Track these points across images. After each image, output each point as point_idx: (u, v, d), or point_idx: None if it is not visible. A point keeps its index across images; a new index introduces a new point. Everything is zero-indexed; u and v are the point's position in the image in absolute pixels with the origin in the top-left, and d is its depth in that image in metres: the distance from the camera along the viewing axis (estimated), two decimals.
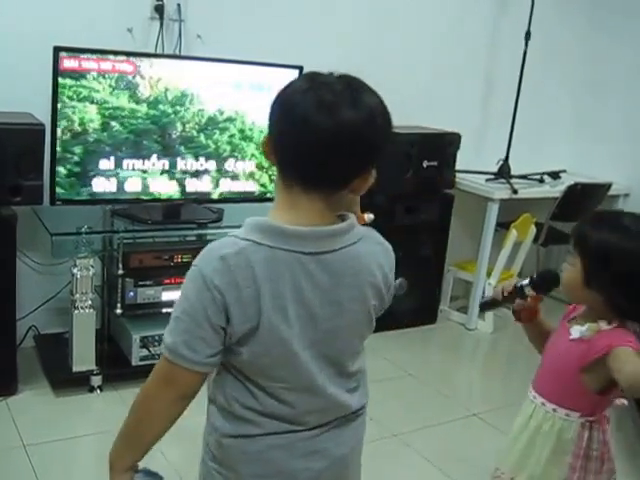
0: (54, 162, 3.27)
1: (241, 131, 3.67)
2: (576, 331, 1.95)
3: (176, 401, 1.47)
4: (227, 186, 3.74)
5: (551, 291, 2.10)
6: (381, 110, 1.43)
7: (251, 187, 3.81)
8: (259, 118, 3.68)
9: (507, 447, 2.14)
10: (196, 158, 3.60)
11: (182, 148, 3.55)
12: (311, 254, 1.41)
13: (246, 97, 3.64)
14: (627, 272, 1.87)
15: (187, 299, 1.41)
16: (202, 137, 3.58)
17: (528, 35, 4.81)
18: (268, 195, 3.84)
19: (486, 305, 2.47)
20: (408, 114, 4.60)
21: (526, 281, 2.10)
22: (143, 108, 3.41)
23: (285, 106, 1.41)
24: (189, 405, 1.49)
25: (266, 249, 1.39)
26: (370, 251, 1.51)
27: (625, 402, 2.08)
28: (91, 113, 3.29)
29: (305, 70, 3.69)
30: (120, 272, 3.49)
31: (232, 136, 3.65)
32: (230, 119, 3.62)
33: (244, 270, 1.37)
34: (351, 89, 1.40)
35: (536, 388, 2.11)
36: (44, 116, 3.27)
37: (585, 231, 1.93)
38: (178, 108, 3.49)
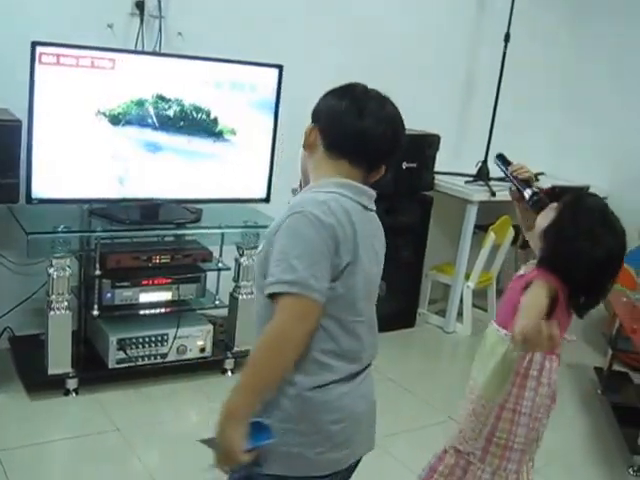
0: (31, 159, 3.20)
1: (220, 131, 3.62)
2: (521, 269, 2.24)
3: (306, 333, 1.61)
4: (206, 185, 3.68)
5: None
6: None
7: (230, 187, 3.75)
8: (239, 117, 3.64)
9: (474, 367, 2.35)
10: (175, 156, 3.55)
11: (161, 146, 3.49)
12: (367, 209, 1.76)
13: (226, 96, 3.59)
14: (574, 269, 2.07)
15: (304, 239, 1.60)
16: (181, 135, 3.53)
17: (508, 37, 4.82)
18: (246, 196, 3.80)
19: (502, 158, 2.61)
20: None
21: (529, 191, 2.38)
22: (121, 106, 3.35)
23: (352, 103, 1.78)
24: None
25: (347, 200, 1.70)
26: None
27: (574, 338, 2.27)
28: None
29: (285, 69, 3.68)
30: (97, 273, 3.42)
31: (213, 134, 3.60)
32: (209, 117, 3.57)
33: (342, 213, 1.65)
34: (381, 98, 1.84)
35: (496, 317, 2.31)
36: (21, 112, 3.20)
37: (568, 206, 2.17)
38: (157, 105, 3.43)
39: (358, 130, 1.74)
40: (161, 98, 3.43)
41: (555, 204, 2.21)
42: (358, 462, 1.88)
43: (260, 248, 1.75)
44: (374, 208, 1.80)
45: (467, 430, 2.27)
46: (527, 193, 2.36)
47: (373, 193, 1.79)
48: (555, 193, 4.71)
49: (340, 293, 1.65)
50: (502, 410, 2.19)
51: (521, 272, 2.22)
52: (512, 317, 2.03)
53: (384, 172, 1.84)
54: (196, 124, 3.55)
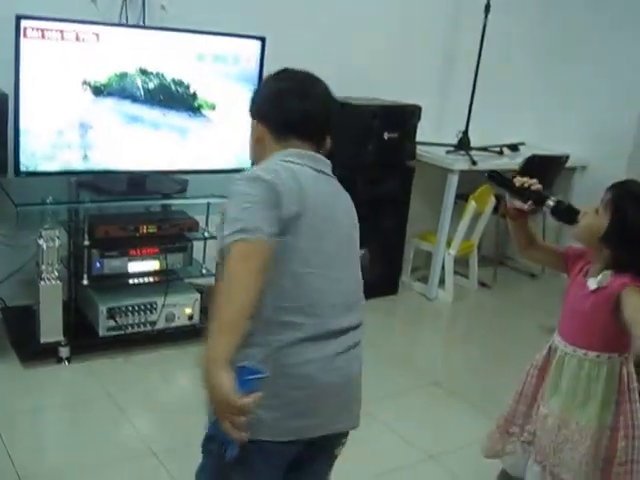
0: (18, 133, 3.24)
1: (200, 105, 3.68)
2: (592, 283, 2.14)
3: (251, 273, 1.63)
4: (192, 156, 3.74)
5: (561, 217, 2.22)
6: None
7: (215, 158, 3.81)
8: (221, 90, 3.69)
9: (551, 389, 2.26)
10: (159, 128, 3.60)
11: (147, 117, 3.54)
12: (322, 172, 1.86)
13: (209, 69, 3.64)
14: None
15: (246, 195, 1.67)
16: (162, 109, 3.58)
17: (488, 7, 4.86)
18: (232, 167, 3.86)
19: (495, 177, 2.41)
20: (369, 86, 4.65)
21: (552, 200, 2.20)
22: (106, 79, 3.40)
23: (292, 86, 1.91)
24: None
25: (295, 164, 1.80)
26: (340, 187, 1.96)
27: None
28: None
29: (268, 41, 3.73)
30: (86, 243, 3.48)
31: (194, 107, 3.65)
32: (188, 90, 3.62)
33: (285, 170, 1.75)
34: (311, 77, 1.95)
35: (568, 339, 2.24)
36: (7, 86, 3.23)
37: (627, 203, 2.09)
38: (141, 78, 3.47)
39: (302, 110, 1.87)
40: (144, 72, 3.47)
41: (589, 207, 2.15)
42: (340, 440, 1.90)
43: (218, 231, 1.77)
44: (332, 175, 1.91)
45: (590, 461, 2.18)
46: (551, 202, 2.19)
47: (327, 161, 1.90)
48: (535, 163, 4.83)
49: (290, 245, 1.71)
50: (616, 432, 2.17)
51: (593, 286, 2.13)
52: (601, 338, 2.14)
53: (329, 143, 1.93)
54: (176, 98, 3.59)
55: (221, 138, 3.77)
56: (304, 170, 1.80)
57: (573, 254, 2.32)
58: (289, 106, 1.88)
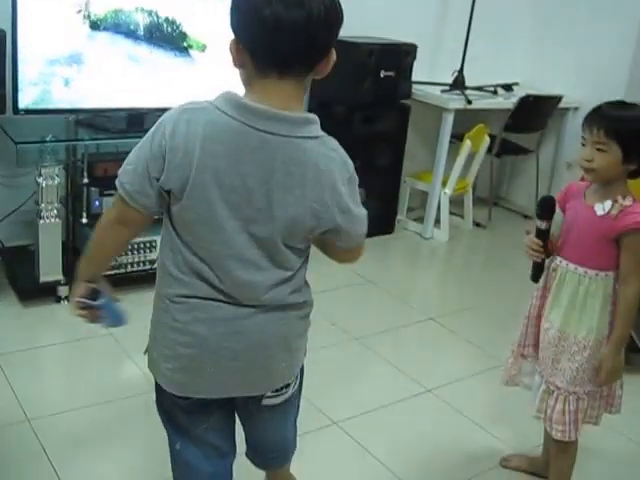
0: (16, 70, 3.21)
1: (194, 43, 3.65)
2: (600, 209, 2.25)
3: (117, 222, 1.67)
4: (190, 94, 3.71)
5: (554, 212, 2.36)
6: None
7: (216, 94, 3.77)
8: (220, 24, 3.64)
9: (552, 304, 2.39)
10: (159, 66, 3.58)
11: (146, 55, 3.52)
12: (257, 130, 1.51)
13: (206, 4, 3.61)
14: None
15: (144, 139, 1.59)
16: (157, 47, 3.56)
17: None
18: None
19: (537, 271, 2.46)
20: (365, 24, 4.61)
21: (538, 222, 2.36)
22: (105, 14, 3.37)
23: (252, 6, 1.48)
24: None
25: (221, 114, 1.52)
26: (320, 152, 1.57)
27: None
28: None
29: None
30: (85, 181, 3.48)
31: (191, 47, 3.63)
32: (179, 29, 3.59)
33: (190, 124, 1.51)
34: None
35: (568, 257, 2.35)
36: (4, 23, 3.19)
37: (615, 118, 2.22)
38: (140, 14, 3.45)
39: (264, 17, 1.46)
40: (142, 9, 3.45)
41: (585, 150, 2.26)
42: (255, 398, 1.79)
43: None
44: (296, 134, 1.54)
45: (590, 371, 2.33)
46: (538, 224, 2.38)
47: (288, 115, 1.53)
48: (529, 102, 4.84)
49: (175, 212, 1.58)
50: (609, 339, 2.31)
51: (600, 212, 2.24)
52: (599, 258, 2.27)
53: (329, 66, 1.58)
54: (171, 37, 3.56)
55: (219, 78, 3.75)
56: (230, 124, 1.51)
57: (563, 198, 2.42)
58: (261, 15, 1.46)
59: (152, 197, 1.58)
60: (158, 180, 1.55)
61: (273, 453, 2.07)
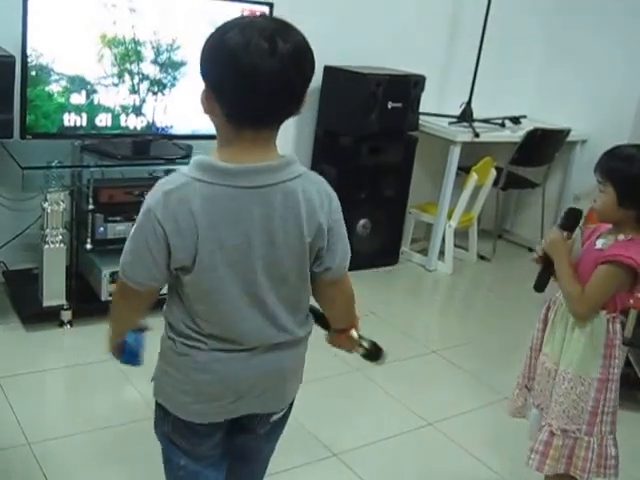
0: (24, 95, 3.24)
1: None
2: (599, 243, 2.32)
3: (131, 309, 1.73)
4: (195, 122, 3.73)
5: (577, 226, 2.41)
6: (307, 45, 1.53)
7: None
8: None
9: (548, 338, 2.43)
10: (163, 93, 3.61)
11: (150, 83, 3.55)
12: (247, 188, 1.54)
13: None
14: None
15: (137, 227, 1.59)
16: (170, 72, 3.59)
17: None
18: None
19: (542, 280, 2.47)
20: (374, 55, 4.64)
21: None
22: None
23: (225, 55, 1.47)
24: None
25: (204, 185, 1.52)
26: (307, 189, 1.61)
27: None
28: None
29: (275, 7, 3.71)
30: (90, 207, 3.49)
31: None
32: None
33: (183, 205, 1.52)
34: (278, 29, 1.49)
35: None
36: (13, 48, 3.22)
37: (611, 165, 2.26)
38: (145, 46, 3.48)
39: (242, 66, 1.44)
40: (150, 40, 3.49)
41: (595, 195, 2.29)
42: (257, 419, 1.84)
43: None
44: (283, 179, 1.56)
45: (570, 409, 2.33)
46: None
47: (270, 165, 1.55)
48: (537, 136, 4.85)
49: (187, 286, 1.60)
50: (600, 383, 2.31)
51: (598, 246, 2.30)
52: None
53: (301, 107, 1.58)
54: (177, 63, 3.62)
55: None
56: (217, 194, 1.52)
57: (588, 234, 2.43)
58: (227, 59, 1.46)
59: (161, 279, 1.62)
60: (165, 264, 1.58)
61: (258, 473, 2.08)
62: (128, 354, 1.78)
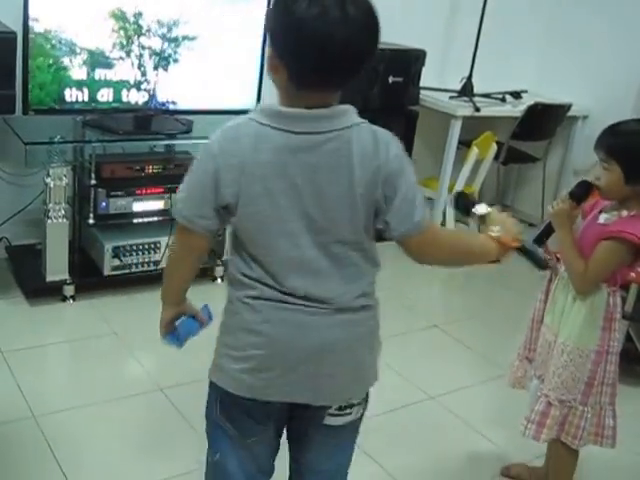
0: (26, 71, 3.24)
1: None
2: (602, 218, 2.34)
3: (184, 251, 1.73)
4: (197, 97, 3.74)
5: (585, 200, 2.39)
6: (375, 11, 1.52)
7: (221, 98, 3.81)
8: (233, 30, 3.69)
9: (549, 309, 2.46)
10: (165, 68, 3.60)
11: (152, 57, 3.54)
12: (297, 133, 1.53)
13: (221, 10, 3.63)
14: None
15: (194, 164, 1.62)
16: (172, 47, 3.57)
17: None
18: (237, 107, 3.86)
19: (543, 234, 2.48)
20: None
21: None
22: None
23: (295, 24, 1.46)
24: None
25: (258, 125, 1.54)
26: (363, 137, 1.56)
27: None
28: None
29: None
30: (92, 182, 3.50)
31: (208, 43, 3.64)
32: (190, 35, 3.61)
33: (235, 141, 1.55)
34: None
35: None
36: (15, 24, 3.22)
37: (615, 142, 2.26)
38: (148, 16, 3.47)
39: (314, 35, 1.44)
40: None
41: (593, 171, 2.31)
42: (324, 410, 1.75)
43: None
44: (336, 127, 1.53)
45: (568, 380, 2.37)
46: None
47: (323, 112, 1.53)
48: (537, 111, 4.84)
49: (235, 225, 1.62)
50: (598, 355, 2.35)
51: (601, 221, 2.32)
52: None
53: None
54: (180, 38, 3.57)
55: (228, 76, 3.78)
56: (273, 136, 1.52)
57: (589, 207, 2.45)
58: (288, 13, 1.46)
59: (211, 218, 1.61)
60: (214, 200, 1.58)
61: None
62: (173, 336, 1.83)
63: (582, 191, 2.36)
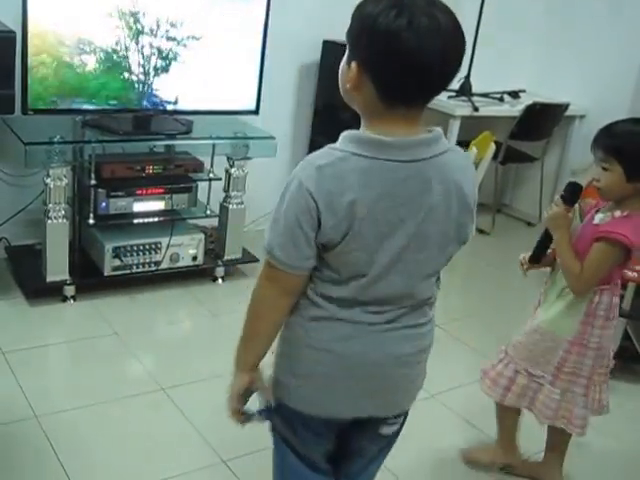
0: (26, 71, 3.24)
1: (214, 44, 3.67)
2: (597, 218, 2.37)
3: (280, 296, 1.59)
4: (197, 97, 3.75)
5: (577, 201, 2.45)
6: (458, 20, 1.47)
7: (220, 99, 3.82)
8: (233, 30, 3.71)
9: (542, 306, 2.54)
10: (165, 69, 3.60)
11: (152, 57, 3.54)
12: (403, 162, 1.47)
13: (221, 10, 3.64)
14: None
15: (284, 203, 1.49)
16: (174, 47, 3.57)
17: None
18: (237, 108, 3.88)
19: (538, 250, 2.56)
20: None
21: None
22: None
23: (383, 36, 1.41)
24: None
25: (361, 159, 1.46)
26: (458, 164, 1.56)
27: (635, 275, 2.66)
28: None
29: None
30: (93, 183, 3.50)
31: (207, 44, 3.64)
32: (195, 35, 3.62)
33: (338, 179, 1.45)
34: (432, 2, 1.42)
35: None
36: (14, 23, 3.22)
37: (614, 142, 2.28)
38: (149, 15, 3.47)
39: (406, 48, 1.38)
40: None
41: (591, 173, 2.34)
42: (377, 424, 1.77)
43: None
44: (436, 152, 1.51)
45: (538, 357, 2.47)
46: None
47: (427, 137, 1.50)
48: (536, 110, 4.84)
49: (332, 257, 1.53)
50: (572, 345, 2.41)
51: (596, 221, 2.36)
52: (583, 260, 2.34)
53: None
54: (180, 36, 3.58)
55: (228, 77, 3.79)
56: (374, 168, 1.46)
57: (588, 208, 2.51)
58: (398, 46, 1.39)
59: (312, 257, 1.53)
60: (314, 238, 1.50)
61: None
62: (267, 411, 1.70)
63: (572, 193, 2.41)
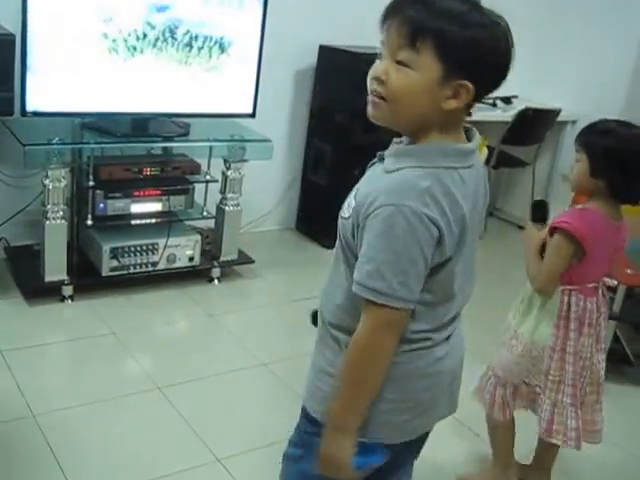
0: (25, 73, 3.28)
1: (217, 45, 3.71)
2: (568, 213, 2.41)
3: (395, 345, 1.49)
4: (194, 100, 3.79)
5: (547, 218, 2.50)
6: None
7: (217, 102, 3.86)
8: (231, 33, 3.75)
9: (515, 306, 2.60)
10: (164, 71, 3.63)
11: (150, 59, 3.57)
12: (470, 167, 1.50)
13: (219, 13, 3.67)
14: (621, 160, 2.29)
15: (396, 242, 1.39)
16: (174, 49, 3.61)
17: None
18: (234, 111, 3.92)
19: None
20: (368, 33, 4.66)
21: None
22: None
23: (488, 49, 1.46)
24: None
25: (453, 170, 1.45)
26: (481, 168, 1.60)
27: (615, 283, 2.62)
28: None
29: None
30: (91, 184, 3.54)
31: (205, 48, 3.68)
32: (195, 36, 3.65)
33: (449, 196, 1.42)
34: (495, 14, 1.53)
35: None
36: (13, 26, 3.27)
37: (588, 137, 2.34)
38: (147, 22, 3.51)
39: (502, 61, 1.49)
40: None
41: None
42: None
43: (347, 214, 1.51)
44: (476, 159, 1.54)
45: (529, 366, 2.50)
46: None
47: (471, 146, 1.53)
48: (528, 116, 4.88)
49: (436, 282, 1.50)
50: (553, 351, 2.43)
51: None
52: None
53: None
54: (177, 43, 3.61)
55: (225, 81, 3.83)
56: (460, 179, 1.46)
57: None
58: (498, 59, 1.48)
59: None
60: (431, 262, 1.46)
61: None
62: (378, 455, 1.60)
63: (536, 210, 2.52)
